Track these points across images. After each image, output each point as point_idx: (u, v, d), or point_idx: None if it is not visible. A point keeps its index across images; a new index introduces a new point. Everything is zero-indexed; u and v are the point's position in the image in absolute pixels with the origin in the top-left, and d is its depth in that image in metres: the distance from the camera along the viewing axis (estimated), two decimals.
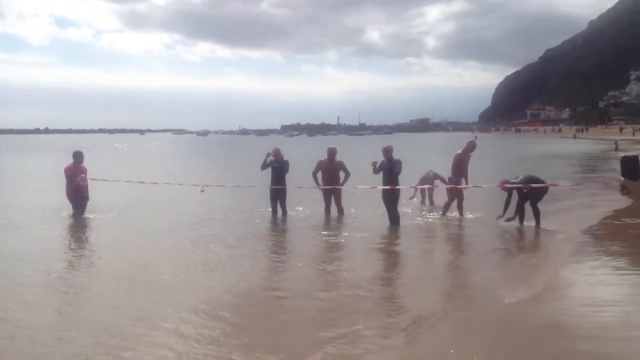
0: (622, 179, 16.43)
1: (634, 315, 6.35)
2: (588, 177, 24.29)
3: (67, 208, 13.39)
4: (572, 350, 5.37)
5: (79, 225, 12.48)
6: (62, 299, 7.14)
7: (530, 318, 6.22)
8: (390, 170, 12.00)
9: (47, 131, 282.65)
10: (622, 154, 20.75)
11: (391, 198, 12.04)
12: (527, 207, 11.80)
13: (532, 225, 11.65)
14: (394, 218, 12.02)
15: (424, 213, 13.90)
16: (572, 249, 9.75)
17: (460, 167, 12.97)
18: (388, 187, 12.01)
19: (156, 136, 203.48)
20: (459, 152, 13.11)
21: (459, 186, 12.87)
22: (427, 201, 15.13)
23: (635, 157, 17.02)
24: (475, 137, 20.98)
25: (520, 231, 11.48)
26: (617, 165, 18.10)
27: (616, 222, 12.44)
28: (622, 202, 15.33)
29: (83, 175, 13.34)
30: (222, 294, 7.14)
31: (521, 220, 11.87)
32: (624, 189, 16.18)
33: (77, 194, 13.30)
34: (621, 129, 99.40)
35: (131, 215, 13.68)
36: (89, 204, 13.51)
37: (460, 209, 13.04)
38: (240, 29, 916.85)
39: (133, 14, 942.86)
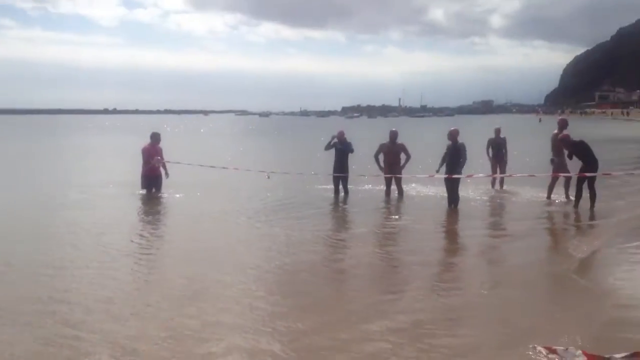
0: None
1: None
2: None
3: (139, 186, 14.29)
4: (598, 314, 5.91)
5: (152, 202, 13.45)
6: (136, 266, 8.01)
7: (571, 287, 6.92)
8: (454, 154, 12.37)
9: (115, 112, 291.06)
10: None
11: (452, 180, 12.41)
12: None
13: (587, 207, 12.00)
14: (454, 200, 12.41)
15: (486, 195, 14.31)
16: (621, 230, 10.19)
17: (560, 147, 12.94)
18: (445, 176, 12.45)
19: (219, 117, 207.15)
20: (555, 131, 13.21)
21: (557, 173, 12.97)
22: (497, 185, 15.35)
23: None
24: (540, 120, 20.93)
25: (575, 212, 11.93)
26: None
27: None
28: None
29: (158, 157, 14.28)
30: (287, 270, 7.69)
31: (577, 202, 12.24)
32: None
33: (152, 173, 14.24)
34: None
35: (200, 195, 14.36)
36: (163, 182, 14.41)
37: (566, 189, 13.10)
38: (304, 9, 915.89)
39: None
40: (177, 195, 14.05)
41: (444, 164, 12.56)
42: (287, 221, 11.03)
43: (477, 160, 15.61)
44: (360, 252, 8.71)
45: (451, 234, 10.52)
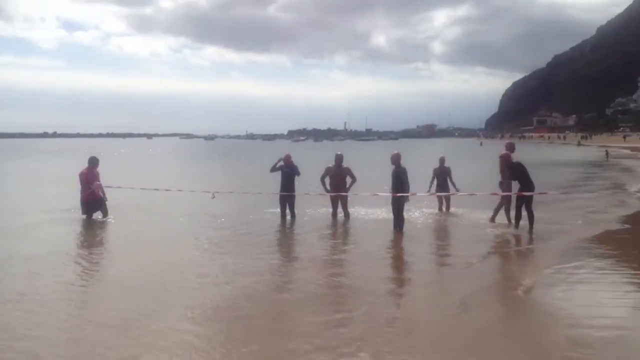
0: None
1: (603, 308, 6.98)
2: (585, 184, 24.70)
3: (79, 211, 13.95)
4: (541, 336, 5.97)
5: (91, 228, 13.05)
6: (71, 301, 7.51)
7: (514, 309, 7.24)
8: (397, 177, 12.51)
9: (55, 135, 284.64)
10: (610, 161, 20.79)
11: (397, 204, 12.50)
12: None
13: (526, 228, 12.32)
14: (399, 222, 12.49)
15: (432, 218, 14.42)
16: (560, 251, 10.36)
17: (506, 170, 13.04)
18: (389, 194, 12.60)
19: (164, 140, 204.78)
20: (502, 154, 13.31)
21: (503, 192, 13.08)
22: (443, 208, 15.42)
23: None
24: (481, 144, 21.45)
25: (514, 234, 12.16)
26: (606, 173, 18.68)
27: (605, 228, 12.78)
28: (610, 209, 15.80)
29: (98, 183, 14.00)
30: (223, 299, 7.38)
31: (517, 223, 12.58)
32: None
33: (92, 198, 13.90)
34: (625, 137, 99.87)
35: (142, 220, 14.10)
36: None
37: (495, 212, 13.23)
38: (248, 33, 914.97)
39: (140, 17, 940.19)
40: (117, 220, 13.67)
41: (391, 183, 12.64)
42: (230, 247, 10.77)
43: (424, 182, 15.77)
44: (304, 279, 8.47)
45: (398, 258, 10.45)
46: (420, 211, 14.95)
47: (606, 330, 6.15)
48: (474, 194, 14.29)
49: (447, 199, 15.27)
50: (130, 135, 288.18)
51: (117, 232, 12.63)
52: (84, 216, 13.79)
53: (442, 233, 13.07)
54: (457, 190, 15.27)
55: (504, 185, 13.04)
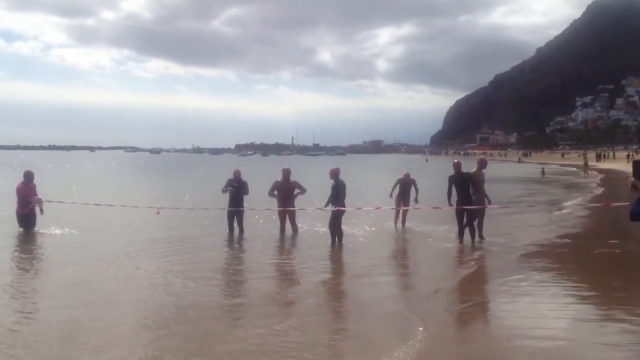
0: (633, 179, 19.82)
1: (544, 320, 7.14)
2: (525, 199, 25.40)
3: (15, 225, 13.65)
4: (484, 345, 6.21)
5: (27, 242, 12.73)
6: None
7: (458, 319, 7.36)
8: (335, 190, 12.69)
9: None
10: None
11: (334, 216, 12.64)
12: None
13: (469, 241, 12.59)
14: (338, 236, 12.58)
15: (385, 232, 14.57)
16: (503, 265, 10.63)
17: (478, 185, 13.06)
18: (332, 208, 12.70)
19: (107, 153, 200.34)
20: (473, 170, 13.37)
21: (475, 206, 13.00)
22: (399, 222, 15.42)
23: None
24: (427, 160, 21.83)
25: (461, 247, 12.38)
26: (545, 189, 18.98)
27: (546, 242, 13.09)
28: (550, 224, 16.27)
29: (38, 197, 13.75)
30: (166, 321, 6.98)
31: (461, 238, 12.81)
32: (635, 188, 18.28)
33: (29, 212, 13.64)
34: (563, 154, 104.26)
35: (82, 236, 13.55)
36: (43, 220, 13.83)
37: (480, 228, 13.06)
38: (193, 47, 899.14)
39: (82, 29, 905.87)
40: (58, 233, 13.46)
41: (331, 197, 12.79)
42: (172, 263, 10.47)
43: (376, 196, 15.89)
44: (249, 314, 7.61)
45: (339, 273, 10.43)
46: (373, 224, 15.04)
47: (548, 341, 6.30)
48: (418, 208, 14.53)
49: (404, 213, 15.39)
50: (73, 147, 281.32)
51: (56, 245, 12.27)
52: (21, 229, 13.55)
53: (387, 246, 13.23)
54: (416, 202, 15.34)
55: (475, 200, 12.88)
